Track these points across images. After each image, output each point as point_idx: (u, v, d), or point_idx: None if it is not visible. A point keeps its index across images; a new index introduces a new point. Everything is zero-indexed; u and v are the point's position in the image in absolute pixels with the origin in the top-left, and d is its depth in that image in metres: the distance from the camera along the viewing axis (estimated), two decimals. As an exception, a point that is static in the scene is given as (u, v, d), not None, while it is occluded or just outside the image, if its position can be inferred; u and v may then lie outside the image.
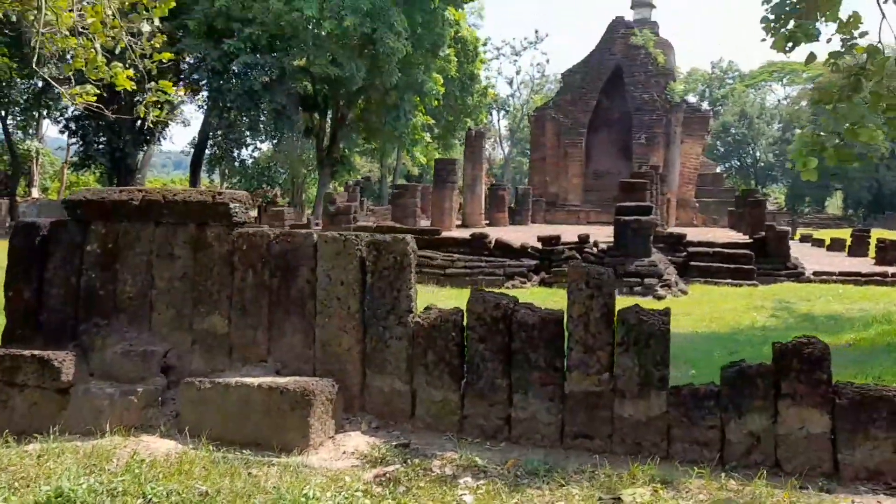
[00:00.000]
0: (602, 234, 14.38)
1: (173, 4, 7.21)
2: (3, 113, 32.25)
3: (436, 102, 32.10)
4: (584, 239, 14.25)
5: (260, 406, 3.83)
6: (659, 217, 23.82)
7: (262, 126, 32.26)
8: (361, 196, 51.02)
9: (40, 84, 12.14)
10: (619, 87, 35.67)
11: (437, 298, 9.02)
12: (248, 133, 33.66)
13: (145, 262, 4.46)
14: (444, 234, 15.50)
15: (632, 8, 39.85)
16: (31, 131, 38.46)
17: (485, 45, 60.94)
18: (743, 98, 67.12)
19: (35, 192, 40.70)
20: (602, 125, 36.56)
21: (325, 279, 4.17)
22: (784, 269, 15.54)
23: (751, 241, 16.73)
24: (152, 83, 7.82)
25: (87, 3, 7.33)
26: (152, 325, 4.48)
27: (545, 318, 3.94)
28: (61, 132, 34.25)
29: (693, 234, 20.51)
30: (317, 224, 18.25)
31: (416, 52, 28.86)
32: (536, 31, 65.77)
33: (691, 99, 73.53)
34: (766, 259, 15.61)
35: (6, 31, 21.51)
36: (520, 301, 4.11)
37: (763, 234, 16.50)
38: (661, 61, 35.58)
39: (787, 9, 7.10)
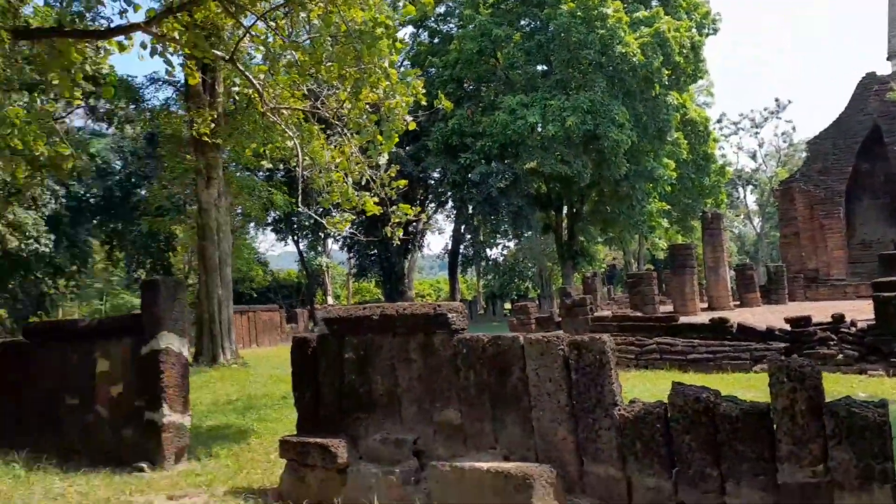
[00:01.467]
0: (870, 311, 13.14)
1: (396, 140, 8.45)
2: (295, 238, 39.14)
3: (669, 188, 31.80)
4: (838, 318, 13.13)
5: (490, 488, 4.37)
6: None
7: (503, 227, 34.49)
8: (610, 283, 51.25)
9: (320, 210, 15.17)
10: (879, 148, 32.63)
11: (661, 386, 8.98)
12: (492, 235, 36.16)
13: (389, 366, 5.32)
14: (683, 319, 15.24)
15: (888, 59, 36.53)
16: (319, 249, 45.31)
17: (719, 121, 59.34)
18: None
19: (330, 300, 47.77)
20: (864, 191, 33.57)
21: (535, 376, 4.65)
22: None
23: None
24: (394, 206, 9.12)
25: (335, 145, 8.87)
26: (401, 418, 5.27)
27: (748, 411, 4.00)
28: (340, 249, 41.00)
29: None
30: (558, 317, 18.85)
31: (642, 140, 29.15)
32: (777, 100, 61.83)
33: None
34: None
35: (281, 173, 26.04)
36: (721, 394, 4.22)
37: None
38: (929, 113, 31.70)
39: None
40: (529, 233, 36.09)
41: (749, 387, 10.38)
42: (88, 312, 42.97)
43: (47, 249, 27.39)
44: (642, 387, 10.62)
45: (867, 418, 3.64)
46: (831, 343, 12.65)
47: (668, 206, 34.92)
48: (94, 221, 32.14)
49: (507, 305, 50.34)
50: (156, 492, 6.06)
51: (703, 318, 15.91)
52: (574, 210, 34.08)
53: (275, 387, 13.00)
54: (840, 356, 12.28)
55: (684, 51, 29.75)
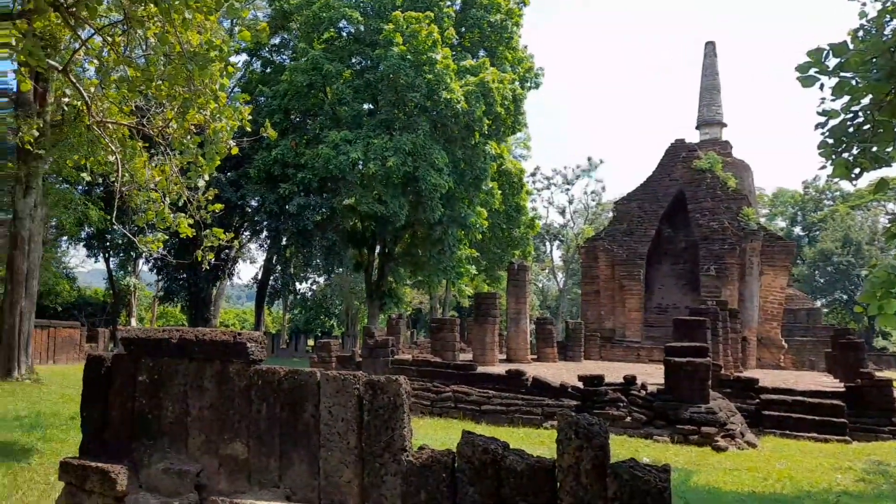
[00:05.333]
0: (661, 375, 13.75)
1: (218, 163, 8.40)
2: (106, 255, 37.69)
3: (480, 236, 33.09)
4: (630, 380, 13.70)
5: (266, 529, 4.31)
6: (731, 358, 21.72)
7: (315, 262, 34.30)
8: (414, 327, 52.15)
9: (135, 229, 15.22)
10: (683, 215, 34.14)
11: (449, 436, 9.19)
12: (304, 268, 35.79)
13: (182, 392, 5.14)
14: (481, 369, 15.57)
15: (697, 128, 38.74)
16: (129, 269, 43.43)
17: (533, 175, 62.80)
18: (846, 221, 58.30)
19: (133, 322, 45.87)
20: (665, 256, 34.93)
21: (327, 415, 4.65)
22: (889, 424, 13.79)
23: (843, 389, 15.02)
24: (207, 230, 8.93)
25: (155, 164, 8.64)
26: (188, 448, 5.07)
27: (534, 467, 4.00)
28: (150, 271, 39.74)
29: (774, 378, 18.78)
30: (360, 357, 18.94)
31: (458, 186, 30.40)
32: (590, 159, 65.23)
33: (780, 224, 66.40)
34: (864, 412, 13.99)
35: (100, 188, 24.74)
36: (510, 447, 4.24)
37: (859, 381, 14.66)
38: (733, 185, 33.44)
39: (851, 131, 6.39)
40: (340, 269, 36.18)
41: (539, 443, 10.75)
42: None
43: None
44: (434, 435, 10.85)
45: (650, 483, 3.67)
46: (621, 405, 13.02)
47: (478, 254, 36.16)
48: None
49: (311, 342, 49.85)
50: (-86, 509, 5.60)
51: (500, 369, 16.25)
52: (386, 250, 34.53)
53: (65, 406, 12.68)
54: (629, 418, 12.67)
55: (506, 102, 31.19)
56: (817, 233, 62.43)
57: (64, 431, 10.02)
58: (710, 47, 39.65)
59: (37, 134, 11.21)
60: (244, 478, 4.87)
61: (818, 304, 47.31)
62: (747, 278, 31.63)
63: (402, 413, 4.49)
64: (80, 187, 28.23)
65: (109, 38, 7.11)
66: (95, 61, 7.69)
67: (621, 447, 10.46)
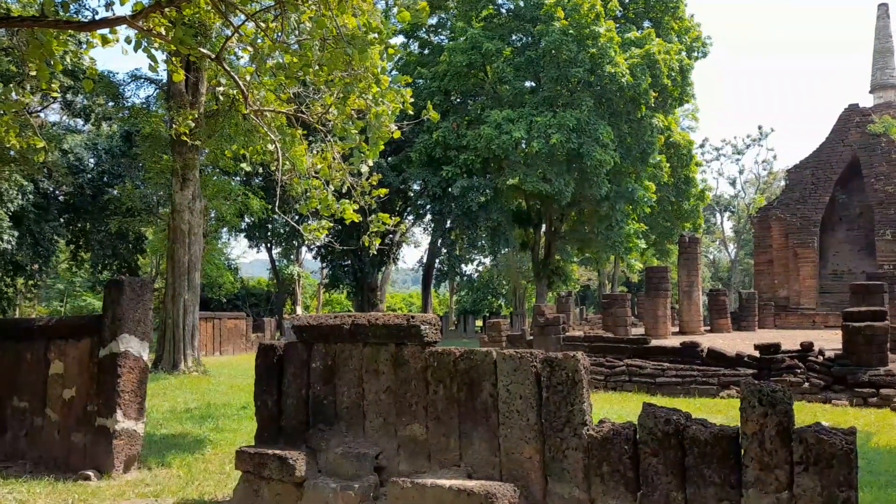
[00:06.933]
0: (838, 340, 13.41)
1: (382, 148, 8.39)
2: (268, 245, 38.58)
3: (648, 209, 31.96)
4: (807, 347, 13.29)
5: (451, 505, 4.29)
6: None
7: (480, 243, 34.44)
8: (583, 304, 51.41)
9: (297, 217, 15.04)
10: (857, 181, 33.09)
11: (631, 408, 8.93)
12: (469, 250, 36.00)
13: (357, 377, 5.22)
14: (654, 342, 15.25)
15: (871, 92, 36.77)
16: (292, 257, 44.63)
17: (702, 146, 59.93)
18: None
19: (299, 310, 46.93)
20: (839, 222, 34.18)
21: (505, 393, 4.58)
22: None
23: None
24: (373, 216, 9.04)
25: (317, 151, 8.80)
26: (365, 431, 5.17)
27: (717, 435, 3.94)
28: (314, 258, 40.46)
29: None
30: (531, 335, 18.85)
31: (624, 161, 29.31)
32: (760, 128, 62.04)
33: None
34: None
35: (259, 178, 25.89)
36: (693, 416, 4.18)
37: None
38: (908, 147, 31.79)
39: None
40: (506, 249, 36.11)
41: (715, 412, 10.41)
42: (48, 313, 41.64)
43: (9, 246, 25.85)
44: (610, 408, 10.58)
45: (835, 445, 3.61)
46: (798, 371, 12.80)
47: (646, 228, 35.02)
48: (62, 220, 30.54)
49: (479, 322, 50.29)
50: (100, 501, 5.85)
51: (673, 341, 15.95)
52: (552, 228, 34.02)
53: (235, 396, 12.81)
54: (806, 384, 12.46)
55: (672, 73, 29.78)
56: None
57: (236, 421, 10.09)
58: (883, 9, 37.39)
59: (192, 125, 11.40)
60: (424, 458, 4.89)
61: None
62: (926, 241, 30.72)
63: (580, 388, 4.40)
64: (238, 178, 28.74)
65: (263, 24, 7.16)
66: (249, 48, 7.77)
67: (800, 412, 10.06)
